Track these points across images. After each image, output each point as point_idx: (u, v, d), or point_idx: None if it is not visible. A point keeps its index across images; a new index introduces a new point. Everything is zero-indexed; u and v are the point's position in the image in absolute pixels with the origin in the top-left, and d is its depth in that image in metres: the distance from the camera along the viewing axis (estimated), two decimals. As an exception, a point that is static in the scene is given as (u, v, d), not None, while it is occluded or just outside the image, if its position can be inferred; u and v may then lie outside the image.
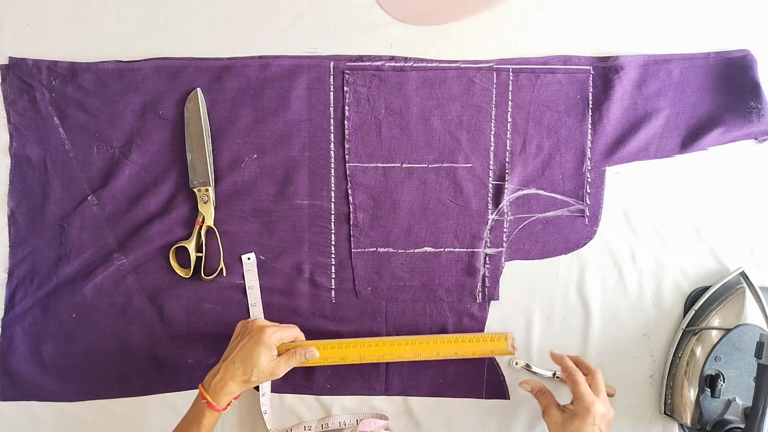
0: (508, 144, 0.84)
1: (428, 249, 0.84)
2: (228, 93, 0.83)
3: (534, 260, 0.84)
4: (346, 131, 0.83)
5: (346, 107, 0.83)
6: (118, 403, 0.84)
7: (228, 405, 0.72)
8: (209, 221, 0.82)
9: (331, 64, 0.83)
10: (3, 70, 0.83)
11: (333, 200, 0.84)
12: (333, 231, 0.84)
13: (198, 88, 0.81)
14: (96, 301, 0.83)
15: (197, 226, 0.81)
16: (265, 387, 0.83)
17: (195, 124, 0.81)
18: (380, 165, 0.84)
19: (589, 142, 0.84)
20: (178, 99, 0.83)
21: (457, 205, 0.84)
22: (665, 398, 0.82)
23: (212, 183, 0.82)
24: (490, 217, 0.84)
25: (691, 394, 0.79)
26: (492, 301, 0.84)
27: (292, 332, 0.77)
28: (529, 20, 0.84)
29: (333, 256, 0.84)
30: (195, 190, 0.81)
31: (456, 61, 0.83)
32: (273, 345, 0.74)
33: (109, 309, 0.83)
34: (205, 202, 0.81)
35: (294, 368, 0.84)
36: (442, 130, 0.83)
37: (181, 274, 0.82)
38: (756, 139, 0.84)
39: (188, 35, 0.83)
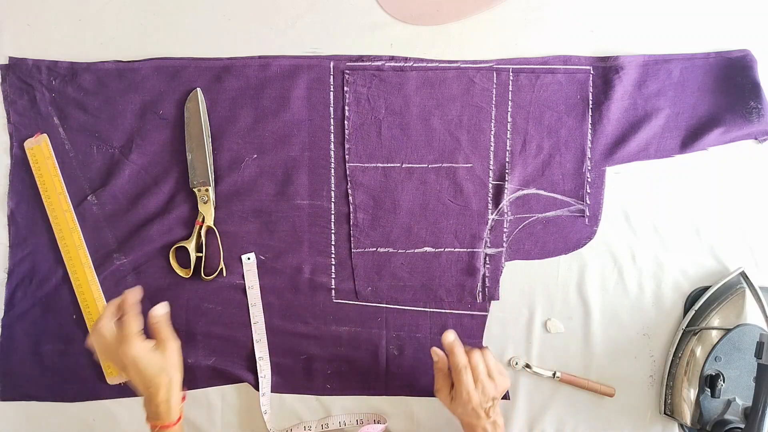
0: (508, 144, 0.84)
1: (428, 249, 0.84)
2: (228, 93, 0.83)
3: (534, 260, 0.84)
4: (346, 131, 0.83)
5: (346, 107, 0.83)
6: (118, 403, 0.84)
7: (179, 418, 0.71)
8: (209, 221, 0.82)
9: (331, 64, 0.83)
10: (3, 70, 0.83)
11: (333, 200, 0.84)
12: (333, 231, 0.84)
13: (198, 88, 0.81)
14: (96, 301, 0.83)
15: (197, 226, 0.81)
16: (265, 387, 0.83)
17: (195, 124, 0.81)
18: (380, 165, 0.84)
19: (589, 142, 0.84)
20: (178, 99, 0.83)
21: (457, 205, 0.84)
22: (665, 398, 0.82)
23: (212, 183, 0.82)
24: (490, 217, 0.84)
25: (691, 394, 0.79)
26: (492, 301, 0.84)
27: (108, 311, 0.71)
28: (529, 20, 0.84)
29: (333, 256, 0.84)
30: (195, 190, 0.81)
31: (456, 61, 0.83)
32: (126, 340, 0.68)
33: (109, 309, 0.83)
34: (205, 202, 0.81)
35: (294, 368, 0.84)
36: (442, 130, 0.83)
37: (181, 274, 0.82)
38: (756, 139, 0.84)
39: (188, 35, 0.83)
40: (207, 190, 0.81)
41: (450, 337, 0.74)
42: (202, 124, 0.81)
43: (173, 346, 0.71)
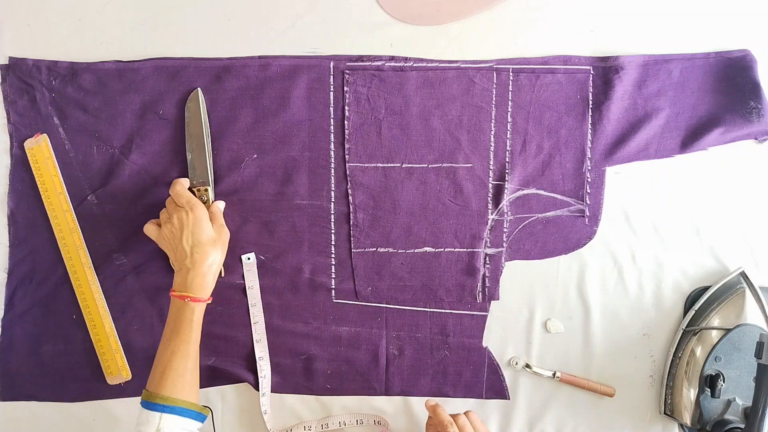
0: (508, 144, 0.84)
1: (428, 249, 0.84)
2: (228, 93, 0.83)
3: (534, 260, 0.84)
4: (346, 131, 0.83)
5: (346, 107, 0.83)
6: (118, 403, 0.84)
7: (209, 299, 0.75)
8: None
9: (331, 64, 0.83)
10: (3, 70, 0.83)
11: (333, 200, 0.84)
12: (333, 231, 0.84)
13: (198, 88, 0.81)
14: (96, 301, 0.83)
15: None
16: (265, 387, 0.83)
17: (195, 124, 0.81)
18: (380, 165, 0.84)
19: (589, 142, 0.84)
20: (178, 99, 0.83)
21: (457, 205, 0.84)
22: (665, 398, 0.82)
23: (212, 183, 0.82)
24: (490, 217, 0.84)
25: (691, 394, 0.79)
26: (492, 301, 0.84)
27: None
28: (529, 20, 0.84)
29: (333, 256, 0.84)
30: (194, 190, 0.81)
31: (456, 61, 0.83)
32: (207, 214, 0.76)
33: (109, 309, 0.83)
34: (204, 202, 0.80)
35: (294, 368, 0.84)
36: (442, 130, 0.83)
37: None
38: (756, 139, 0.84)
39: (188, 35, 0.83)
40: (206, 190, 0.81)
41: (431, 402, 0.76)
42: (202, 124, 0.81)
43: (227, 232, 0.79)
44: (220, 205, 0.81)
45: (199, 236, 0.74)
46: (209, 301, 0.75)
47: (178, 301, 0.73)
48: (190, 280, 0.73)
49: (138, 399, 0.81)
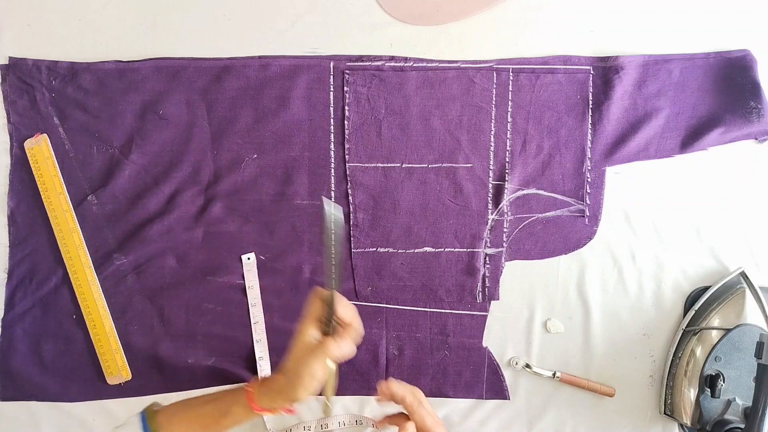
0: (508, 144, 0.84)
1: (428, 249, 0.84)
2: (228, 93, 0.83)
3: (534, 260, 0.84)
4: (346, 131, 0.83)
5: (346, 107, 0.83)
6: (118, 403, 0.84)
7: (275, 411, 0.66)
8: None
9: (331, 64, 0.83)
10: (3, 70, 0.83)
11: (333, 200, 0.84)
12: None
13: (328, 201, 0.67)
14: (96, 301, 0.83)
15: None
16: (265, 387, 0.83)
17: (333, 233, 0.65)
18: (380, 165, 0.84)
19: (589, 142, 0.84)
20: (178, 99, 0.83)
21: (457, 205, 0.84)
22: (665, 398, 0.82)
23: (333, 288, 0.65)
24: (490, 217, 0.84)
25: (691, 394, 0.79)
26: (492, 301, 0.84)
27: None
28: (529, 20, 0.84)
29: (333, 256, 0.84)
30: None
31: (456, 61, 0.83)
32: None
33: (109, 309, 0.83)
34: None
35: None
36: (442, 130, 0.83)
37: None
38: (756, 139, 0.84)
39: (188, 35, 0.83)
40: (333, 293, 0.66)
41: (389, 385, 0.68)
42: (331, 232, 0.66)
43: (331, 372, 0.65)
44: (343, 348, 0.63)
45: (318, 377, 0.62)
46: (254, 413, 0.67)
47: (245, 400, 0.65)
48: (277, 402, 0.64)
49: (138, 399, 0.82)
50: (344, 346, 0.62)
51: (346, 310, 0.63)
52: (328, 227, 0.65)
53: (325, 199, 0.65)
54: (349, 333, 0.63)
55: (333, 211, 0.65)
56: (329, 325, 0.63)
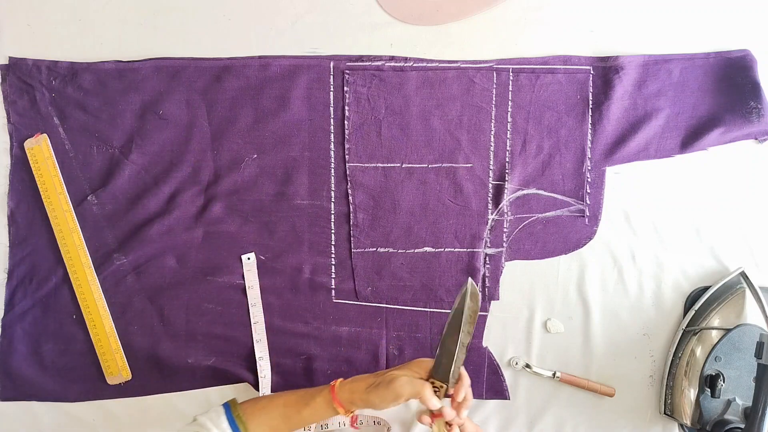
0: (508, 144, 0.84)
1: (428, 249, 0.84)
2: (228, 93, 0.83)
3: (534, 260, 0.84)
4: (346, 131, 0.83)
5: (346, 107, 0.83)
6: (118, 403, 0.84)
7: (347, 412, 0.69)
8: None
9: (331, 64, 0.83)
10: (3, 70, 0.83)
11: (333, 200, 0.84)
12: (333, 231, 0.84)
13: (471, 282, 0.67)
14: (96, 301, 0.83)
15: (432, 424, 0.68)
16: (265, 387, 0.83)
17: (462, 322, 0.67)
18: (380, 165, 0.84)
19: (589, 142, 0.84)
20: (178, 99, 0.83)
21: (457, 205, 0.84)
22: (665, 398, 0.82)
23: (449, 383, 0.67)
24: (490, 217, 0.84)
25: (691, 394, 0.79)
26: (492, 301, 0.84)
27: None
28: (529, 20, 0.84)
29: (333, 256, 0.84)
30: (431, 380, 0.68)
31: (456, 61, 0.83)
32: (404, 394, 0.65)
33: (109, 309, 0.83)
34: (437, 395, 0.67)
35: (294, 368, 0.84)
36: (442, 130, 0.83)
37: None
38: (756, 139, 0.84)
39: (188, 35, 0.83)
40: (442, 387, 0.67)
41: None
42: (471, 328, 0.67)
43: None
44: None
45: (400, 400, 0.65)
46: (345, 415, 0.69)
47: (330, 397, 0.69)
48: (354, 397, 0.68)
49: (138, 399, 0.82)
50: (443, 409, 0.65)
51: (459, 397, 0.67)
52: (461, 312, 0.66)
53: (470, 282, 0.67)
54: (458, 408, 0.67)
55: (469, 298, 0.66)
56: (439, 389, 0.67)
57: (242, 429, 0.67)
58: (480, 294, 0.67)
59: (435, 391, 0.66)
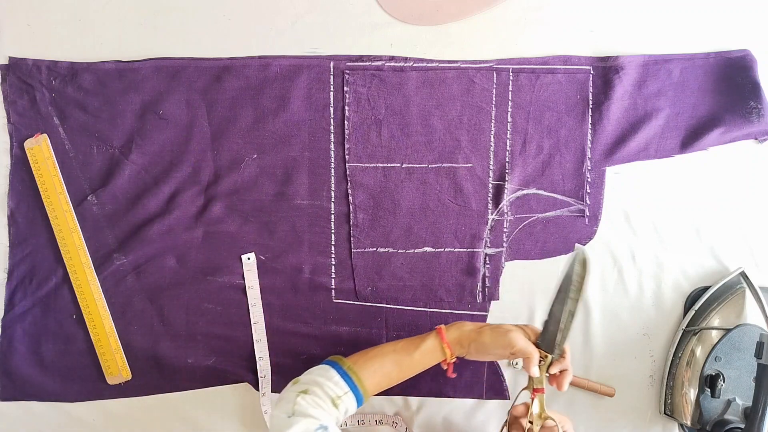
0: (508, 144, 0.84)
1: (428, 249, 0.84)
2: (228, 93, 0.83)
3: (534, 260, 0.84)
4: (346, 131, 0.83)
5: (346, 107, 0.83)
6: (118, 403, 0.84)
7: (452, 355, 0.71)
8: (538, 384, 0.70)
9: (331, 64, 0.83)
10: (3, 70, 0.83)
11: (333, 200, 0.84)
12: (333, 231, 0.84)
13: (585, 251, 0.67)
14: (96, 301, 0.83)
15: (531, 397, 0.70)
16: (265, 387, 0.83)
17: (572, 290, 0.67)
18: (380, 165, 0.84)
19: (589, 142, 0.84)
20: (178, 99, 0.83)
21: (457, 205, 0.84)
22: (665, 398, 0.82)
23: (554, 354, 0.68)
24: (490, 217, 0.84)
25: (691, 394, 0.79)
26: (492, 301, 0.84)
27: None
28: (529, 20, 0.84)
29: (333, 256, 0.84)
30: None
31: (456, 61, 0.83)
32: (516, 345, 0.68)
33: (109, 309, 0.83)
34: (540, 367, 0.69)
35: (294, 368, 0.84)
36: (442, 130, 0.83)
37: None
38: (756, 139, 0.84)
39: (188, 35, 0.83)
40: (546, 357, 0.69)
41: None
42: (579, 296, 0.67)
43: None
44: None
45: (506, 353, 0.69)
46: (450, 359, 0.71)
47: (439, 339, 0.71)
48: (463, 337, 0.70)
49: (138, 399, 0.82)
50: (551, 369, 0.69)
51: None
52: (570, 278, 0.67)
53: (580, 247, 0.67)
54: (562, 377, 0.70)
55: (578, 264, 0.66)
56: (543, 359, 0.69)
57: (355, 379, 0.67)
58: (589, 261, 0.66)
59: (539, 362, 0.68)
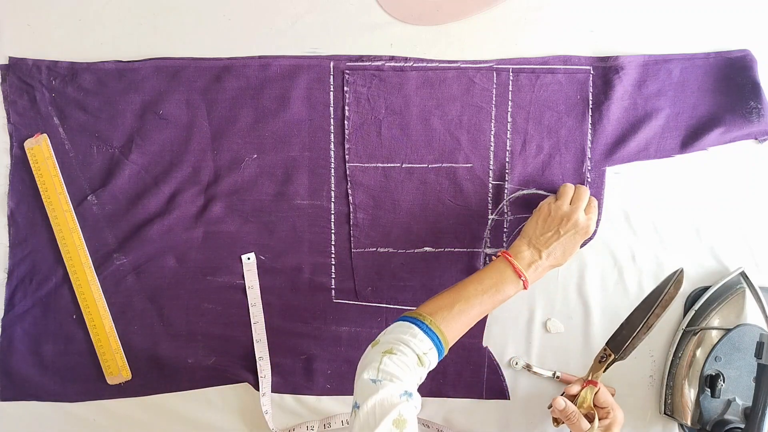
0: (508, 144, 0.84)
1: (428, 249, 0.84)
2: (228, 93, 0.83)
3: (534, 260, 0.84)
4: (346, 131, 0.83)
5: (346, 107, 0.83)
6: (118, 403, 0.84)
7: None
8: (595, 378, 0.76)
9: (331, 64, 0.83)
10: (3, 70, 0.83)
11: (333, 200, 0.84)
12: (333, 231, 0.84)
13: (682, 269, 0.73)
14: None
15: (584, 388, 0.75)
16: (266, 387, 0.83)
17: (656, 304, 0.72)
18: (380, 165, 0.84)
19: (589, 142, 0.84)
20: (178, 99, 0.83)
21: (457, 205, 0.84)
22: (665, 398, 0.82)
23: (618, 355, 0.74)
24: (490, 217, 0.84)
25: (691, 394, 0.79)
26: (492, 301, 0.84)
27: None
28: (529, 20, 0.84)
29: (333, 256, 0.84)
30: (602, 348, 0.76)
31: (456, 61, 0.83)
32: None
33: (109, 309, 0.83)
34: (601, 363, 0.74)
35: (294, 368, 0.84)
36: (442, 130, 0.83)
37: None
38: (756, 139, 0.84)
39: (188, 35, 0.83)
40: (610, 357, 0.74)
41: (561, 404, 0.74)
42: (662, 312, 0.72)
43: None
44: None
45: (576, 248, 0.76)
46: (521, 288, 0.73)
47: (515, 276, 0.72)
48: (539, 271, 0.73)
49: (138, 399, 0.82)
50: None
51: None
52: (661, 292, 0.72)
53: (681, 270, 0.73)
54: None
55: (674, 285, 0.72)
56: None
57: (438, 333, 0.66)
58: (683, 284, 0.73)
59: (601, 358, 0.74)
